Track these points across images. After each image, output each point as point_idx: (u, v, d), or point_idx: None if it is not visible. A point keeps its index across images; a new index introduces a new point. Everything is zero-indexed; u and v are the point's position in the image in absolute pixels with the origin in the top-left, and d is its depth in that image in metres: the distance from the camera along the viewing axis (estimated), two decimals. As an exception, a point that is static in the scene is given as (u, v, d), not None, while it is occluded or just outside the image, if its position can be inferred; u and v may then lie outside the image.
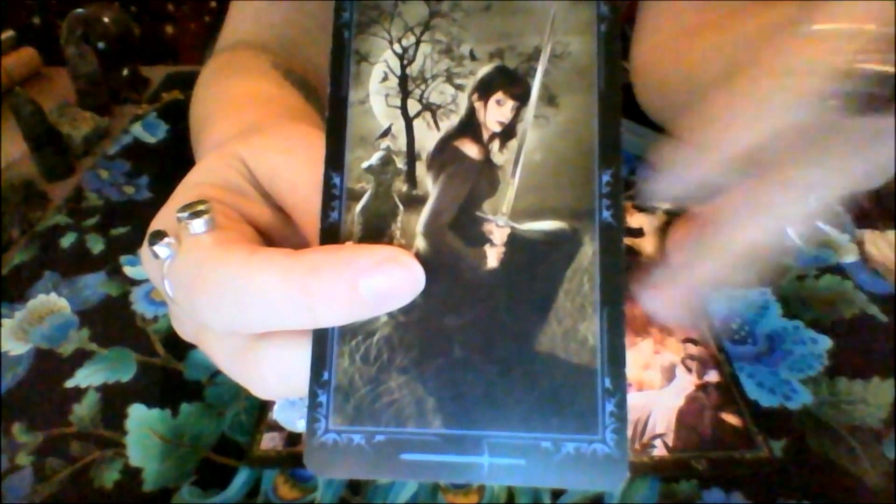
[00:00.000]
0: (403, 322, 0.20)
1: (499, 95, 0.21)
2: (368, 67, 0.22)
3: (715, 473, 0.34)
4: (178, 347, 0.42)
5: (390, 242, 0.21)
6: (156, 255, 0.21)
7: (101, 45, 0.67)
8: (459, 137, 0.21)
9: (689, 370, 0.39)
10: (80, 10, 0.67)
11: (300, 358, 0.20)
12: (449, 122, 0.21)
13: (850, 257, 0.47)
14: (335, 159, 0.22)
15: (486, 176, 0.21)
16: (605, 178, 0.20)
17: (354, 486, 0.34)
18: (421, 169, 0.21)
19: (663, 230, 0.50)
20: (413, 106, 0.22)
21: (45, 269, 0.49)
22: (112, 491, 0.35)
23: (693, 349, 0.40)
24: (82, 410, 0.39)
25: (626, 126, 0.58)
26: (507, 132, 0.21)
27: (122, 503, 0.34)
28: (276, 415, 0.23)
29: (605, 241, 0.20)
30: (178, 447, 0.37)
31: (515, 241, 0.20)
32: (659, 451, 0.35)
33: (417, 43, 0.22)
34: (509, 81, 0.21)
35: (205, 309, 0.21)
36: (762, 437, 0.36)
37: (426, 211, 0.21)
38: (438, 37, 0.22)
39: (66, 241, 0.52)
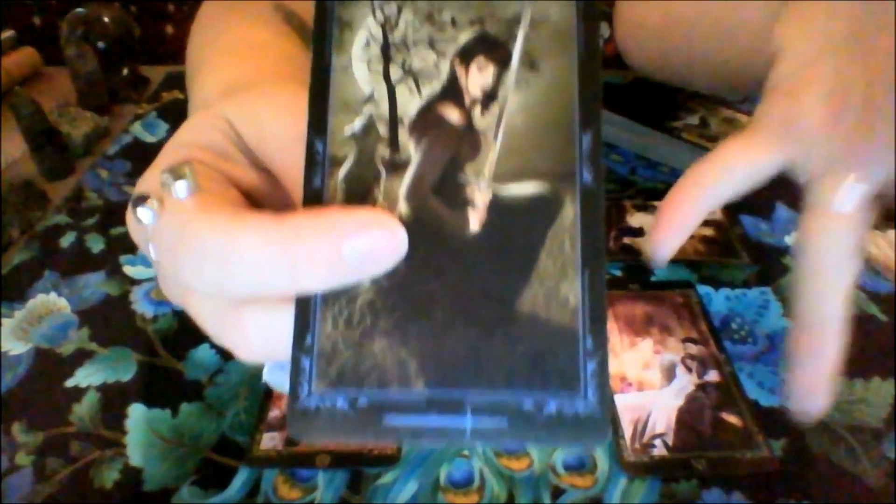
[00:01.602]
0: (386, 286, 0.20)
1: (480, 61, 0.21)
2: (351, 34, 0.22)
3: (715, 473, 0.34)
4: (178, 347, 0.42)
5: (373, 207, 0.20)
6: (139, 220, 0.21)
7: (101, 44, 0.67)
8: (441, 103, 0.21)
9: (689, 370, 0.39)
10: (80, 9, 0.67)
11: (284, 322, 0.20)
12: (431, 88, 0.21)
13: (850, 257, 0.47)
14: (318, 124, 0.22)
15: (468, 140, 0.21)
16: (586, 140, 0.20)
17: (355, 486, 0.34)
18: (403, 134, 0.21)
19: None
20: (395, 72, 0.22)
21: (44, 269, 0.49)
22: (112, 491, 0.35)
23: (693, 349, 0.40)
24: (82, 410, 0.39)
25: (626, 126, 0.58)
26: (489, 97, 0.21)
27: (122, 503, 0.34)
28: (266, 377, 0.23)
29: (585, 203, 0.20)
30: (178, 447, 0.37)
31: (497, 204, 0.20)
32: (659, 451, 0.35)
33: (399, 10, 0.22)
34: (490, 47, 0.21)
35: (187, 273, 0.20)
36: (762, 437, 0.36)
37: (408, 175, 0.21)
38: (420, 4, 0.22)
39: (66, 240, 0.52)
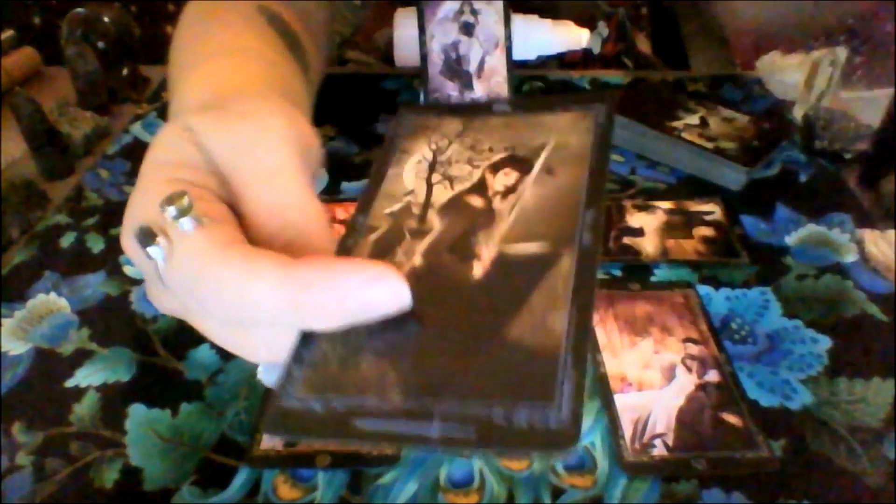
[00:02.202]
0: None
1: (506, 170, 0.25)
2: (408, 156, 0.27)
3: (715, 473, 0.34)
4: (178, 347, 0.42)
5: (391, 260, 0.23)
6: (149, 256, 0.22)
7: (101, 44, 0.67)
8: (469, 195, 0.25)
9: (689, 370, 0.39)
10: (80, 9, 0.67)
11: (289, 338, 0.21)
12: (462, 186, 0.25)
13: (850, 257, 0.47)
14: (364, 207, 0.26)
15: (485, 216, 0.24)
16: (589, 214, 0.23)
17: (355, 486, 0.34)
18: (432, 214, 0.24)
19: (663, 230, 0.50)
20: (436, 177, 0.26)
21: (44, 269, 0.49)
22: (112, 491, 0.35)
23: (693, 349, 0.40)
24: (82, 410, 0.39)
25: (626, 126, 0.58)
26: (510, 191, 0.25)
27: (122, 503, 0.34)
28: (261, 375, 0.25)
29: (582, 259, 0.22)
30: (178, 447, 0.37)
31: (501, 258, 0.22)
32: (659, 451, 0.35)
33: (449, 143, 0.27)
34: (517, 161, 0.25)
35: (203, 308, 0.22)
36: (762, 437, 0.36)
37: (429, 238, 0.24)
38: (466, 139, 0.27)
39: (66, 240, 0.52)
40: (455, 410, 0.19)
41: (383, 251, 0.23)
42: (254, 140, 0.24)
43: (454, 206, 0.24)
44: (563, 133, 0.25)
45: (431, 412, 0.19)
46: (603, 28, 0.76)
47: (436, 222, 0.24)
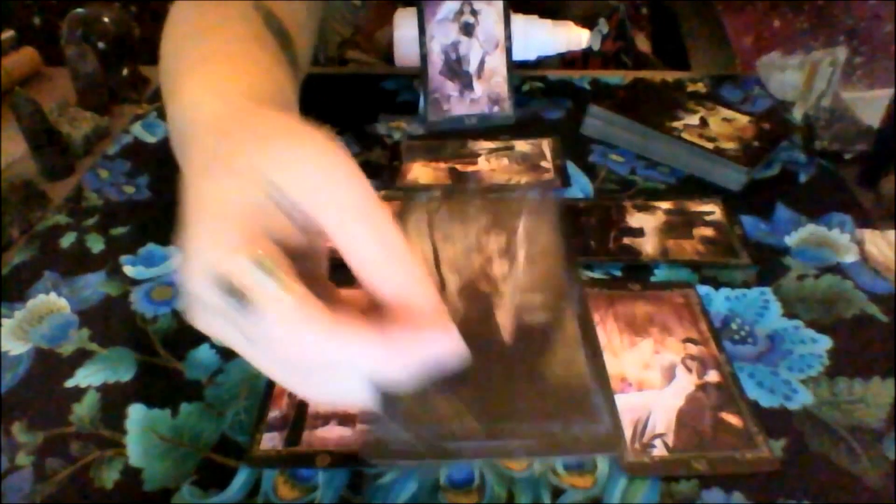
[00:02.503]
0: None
1: (496, 230, 0.31)
2: (408, 218, 0.31)
3: (715, 473, 0.34)
4: (178, 347, 0.42)
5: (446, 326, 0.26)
6: (233, 309, 0.23)
7: (101, 45, 0.67)
8: (476, 280, 0.30)
9: (689, 370, 0.39)
10: (80, 9, 0.67)
11: (363, 387, 0.24)
12: (463, 245, 0.31)
13: (850, 257, 0.47)
14: None
15: (496, 297, 0.29)
16: (575, 290, 0.30)
17: (355, 486, 0.34)
18: (451, 296, 0.29)
19: (663, 230, 0.50)
20: (437, 235, 0.31)
21: (44, 269, 0.49)
22: (112, 491, 0.35)
23: (693, 349, 0.40)
24: (82, 410, 0.39)
25: (626, 126, 0.59)
26: (503, 253, 0.30)
27: (122, 503, 0.34)
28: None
29: (581, 320, 0.29)
30: (178, 447, 0.37)
31: (521, 325, 0.28)
32: (659, 451, 0.35)
33: (440, 206, 0.32)
34: (502, 224, 0.31)
35: (286, 362, 0.24)
36: (762, 437, 0.36)
37: (453, 313, 0.27)
38: (454, 202, 0.33)
39: (66, 240, 0.52)
40: (521, 430, 0.25)
41: None
42: (329, 173, 0.24)
43: (468, 295, 0.29)
44: (530, 215, 0.32)
45: (503, 432, 0.25)
46: (603, 25, 0.76)
47: (450, 281, 0.29)
